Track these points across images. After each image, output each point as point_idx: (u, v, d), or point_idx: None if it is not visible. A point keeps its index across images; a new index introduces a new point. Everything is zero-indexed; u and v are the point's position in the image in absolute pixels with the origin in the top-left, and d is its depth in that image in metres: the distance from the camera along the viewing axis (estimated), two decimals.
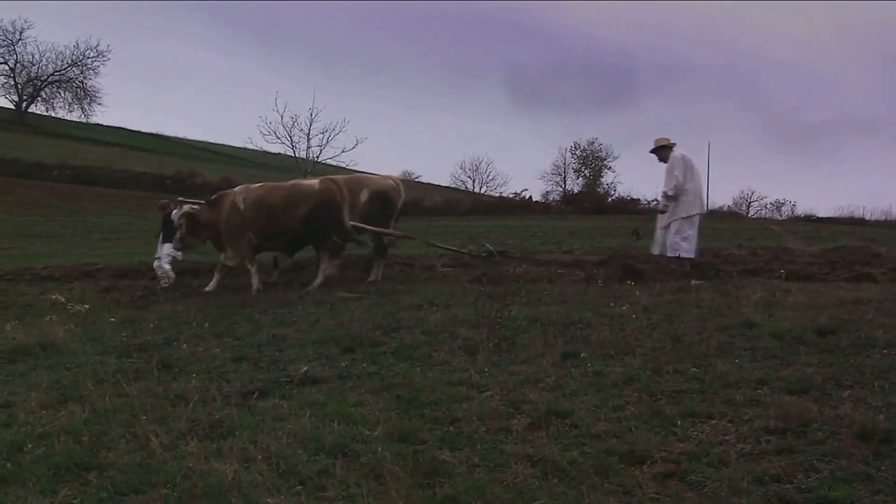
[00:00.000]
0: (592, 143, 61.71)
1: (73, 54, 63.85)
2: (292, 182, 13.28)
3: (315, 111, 48.62)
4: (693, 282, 10.33)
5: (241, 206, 12.51)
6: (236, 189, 13.19)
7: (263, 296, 11.35)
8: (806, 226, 33.43)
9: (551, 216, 39.03)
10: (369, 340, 7.72)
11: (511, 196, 50.03)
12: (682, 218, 11.57)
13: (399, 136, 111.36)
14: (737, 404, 5.27)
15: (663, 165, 11.81)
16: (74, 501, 4.39)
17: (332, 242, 12.34)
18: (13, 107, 64.68)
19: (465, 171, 68.71)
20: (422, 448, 4.84)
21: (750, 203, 58.68)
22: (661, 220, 11.88)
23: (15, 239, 24.30)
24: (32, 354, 8.07)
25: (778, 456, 4.41)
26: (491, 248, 13.65)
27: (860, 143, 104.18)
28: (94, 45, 64.02)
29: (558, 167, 62.54)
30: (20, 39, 62.41)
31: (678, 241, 11.54)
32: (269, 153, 49.12)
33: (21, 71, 63.21)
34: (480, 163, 68.72)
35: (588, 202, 46.48)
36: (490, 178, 67.75)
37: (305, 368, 6.75)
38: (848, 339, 6.66)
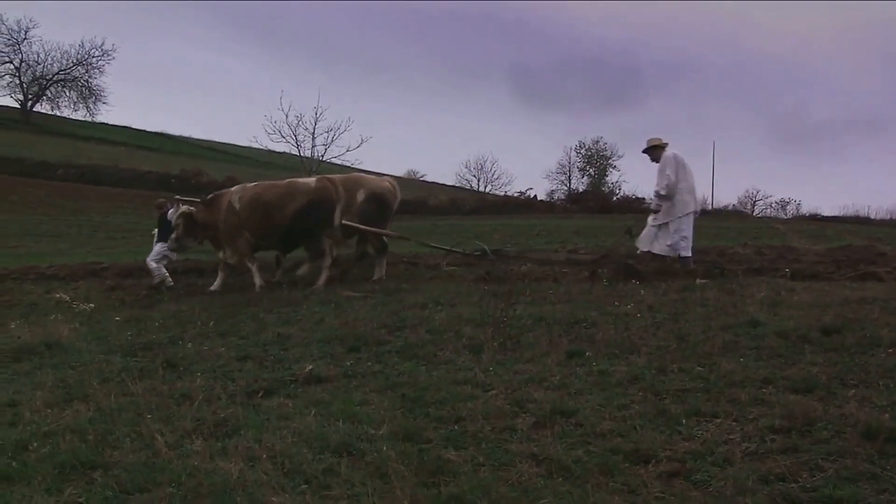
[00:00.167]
0: (597, 141, 61.74)
1: (78, 53, 64.02)
2: (288, 180, 13.32)
3: (320, 110, 48.70)
4: (698, 281, 10.32)
5: (237, 206, 12.55)
6: (233, 189, 13.24)
7: (268, 295, 11.36)
8: (811, 225, 33.36)
9: (556, 215, 39.01)
10: (374, 339, 7.73)
11: (516, 195, 50.03)
12: (680, 217, 11.62)
13: (404, 136, 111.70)
14: (742, 403, 5.27)
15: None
16: (80, 500, 4.40)
17: (322, 241, 12.39)
18: (18, 106, 64.74)
19: (469, 170, 68.85)
20: (427, 447, 4.84)
21: (755, 202, 58.41)
22: (654, 218, 11.91)
23: (20, 238, 24.36)
24: (38, 353, 8.09)
25: (783, 455, 4.41)
26: (485, 247, 13.76)
27: (865, 142, 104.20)
28: (99, 44, 64.20)
29: (563, 166, 62.57)
30: (25, 38, 62.57)
31: (678, 240, 11.58)
32: (274, 152, 49.00)
33: (26, 70, 63.34)
34: (485, 162, 68.89)
35: (593, 201, 46.40)
36: (495, 177, 67.92)
37: (310, 367, 6.76)
38: (853, 338, 6.64)
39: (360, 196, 12.94)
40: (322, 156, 46.67)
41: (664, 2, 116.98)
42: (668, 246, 11.65)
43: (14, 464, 4.85)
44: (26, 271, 15.52)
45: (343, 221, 12.49)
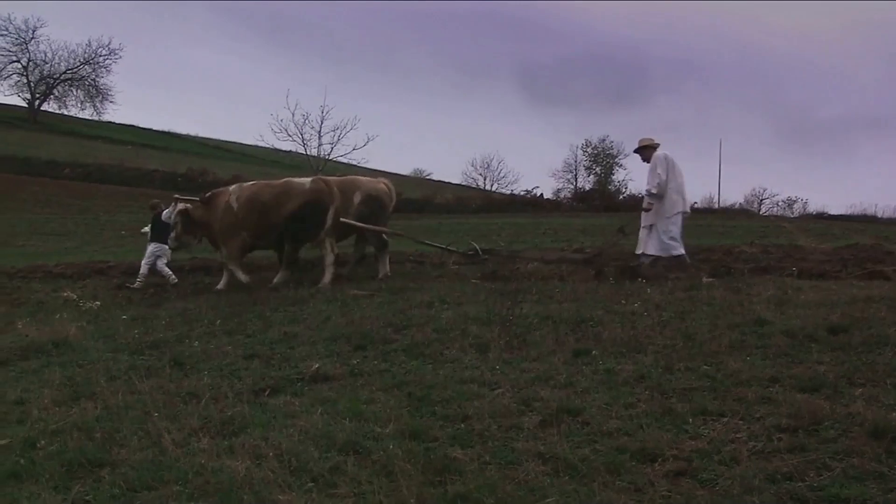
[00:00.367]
0: (604, 140, 61.42)
1: (85, 52, 64.20)
2: (284, 180, 13.38)
3: (326, 109, 48.62)
4: (704, 279, 10.32)
5: (235, 206, 12.59)
6: (230, 188, 13.29)
7: (274, 293, 11.37)
8: (818, 223, 33.26)
9: (563, 214, 39.00)
10: (380, 338, 7.73)
11: (522, 193, 50.04)
12: (666, 218, 11.69)
13: (410, 134, 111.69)
14: (748, 402, 5.25)
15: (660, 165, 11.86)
16: (87, 498, 4.42)
17: (323, 242, 12.46)
18: (26, 105, 64.99)
19: (476, 168, 68.66)
20: (433, 445, 4.85)
21: (762, 201, 58.28)
22: (645, 219, 11.94)
23: (28, 236, 24.45)
24: (45, 351, 8.11)
25: (790, 454, 4.40)
26: (477, 246, 13.91)
27: (872, 141, 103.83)
28: (107, 43, 64.35)
29: (569, 165, 62.26)
30: (33, 38, 62.77)
31: (666, 240, 11.63)
32: (281, 151, 49.06)
33: (34, 69, 63.54)
34: (492, 160, 68.65)
35: (599, 200, 46.44)
36: (501, 175, 67.70)
37: (317, 366, 6.77)
38: (860, 336, 6.62)
39: (357, 198, 13.12)
40: (328, 154, 46.68)
41: (670, 1, 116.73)
42: (659, 247, 11.69)
43: (22, 461, 4.87)
44: (34, 270, 15.59)
45: (341, 220, 12.55)
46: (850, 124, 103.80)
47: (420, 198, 42.66)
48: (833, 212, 47.28)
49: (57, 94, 65.50)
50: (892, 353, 6.15)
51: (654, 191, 11.72)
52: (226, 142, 69.28)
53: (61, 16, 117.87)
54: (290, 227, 12.44)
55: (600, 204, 43.56)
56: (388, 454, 4.61)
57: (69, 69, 64.39)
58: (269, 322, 9.05)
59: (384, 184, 13.98)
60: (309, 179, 12.91)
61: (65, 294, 12.59)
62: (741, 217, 38.69)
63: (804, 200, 55.79)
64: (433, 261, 14.24)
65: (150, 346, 8.15)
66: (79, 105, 65.77)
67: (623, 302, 8.69)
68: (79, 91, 65.30)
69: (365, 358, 7.12)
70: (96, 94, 65.06)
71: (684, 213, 11.92)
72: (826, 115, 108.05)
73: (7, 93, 67.19)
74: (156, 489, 4.41)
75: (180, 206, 13.13)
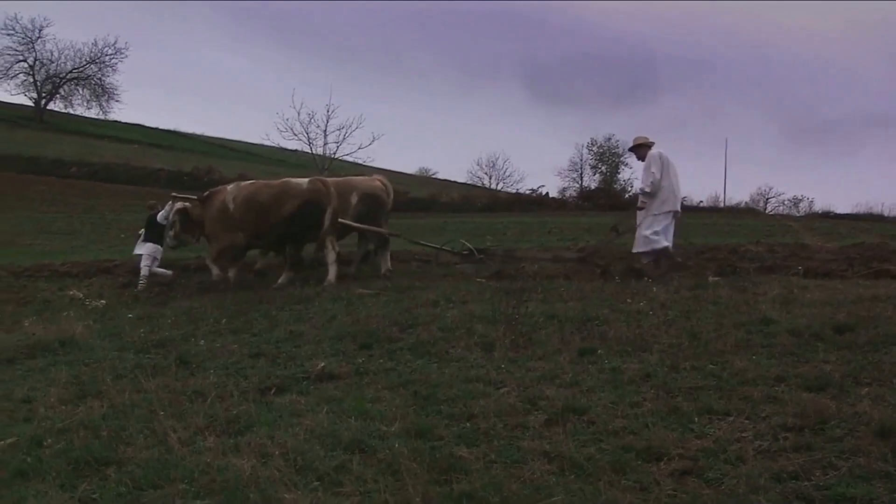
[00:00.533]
0: (609, 139, 61.40)
1: (91, 52, 64.26)
2: (282, 180, 13.41)
3: (332, 108, 48.56)
4: (710, 278, 10.30)
5: (231, 206, 12.61)
6: (228, 187, 13.31)
7: (280, 292, 11.38)
8: (824, 222, 33.11)
9: (568, 212, 38.96)
10: (386, 337, 7.74)
11: (528, 192, 50.02)
12: (654, 215, 11.65)
13: (416, 133, 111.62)
14: (754, 401, 5.24)
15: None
16: (94, 496, 4.44)
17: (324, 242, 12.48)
18: (32, 104, 65.09)
19: (481, 167, 68.63)
20: (439, 444, 4.85)
21: (767, 199, 58.09)
22: (639, 218, 11.92)
23: (34, 235, 24.51)
24: (51, 350, 8.15)
25: (796, 453, 4.39)
26: (471, 246, 14.00)
27: (878, 140, 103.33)
28: (112, 42, 64.40)
29: (575, 164, 62.28)
30: (39, 37, 62.87)
31: (648, 235, 11.59)
32: (287, 150, 49.00)
33: (40, 68, 63.61)
34: (497, 159, 68.61)
35: (605, 198, 46.34)
36: (506, 174, 67.67)
37: (322, 364, 6.77)
38: (866, 335, 6.59)
39: (354, 199, 13.24)
40: (334, 153, 46.64)
41: (673, 0, 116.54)
42: (642, 243, 11.66)
43: (29, 460, 4.90)
44: (40, 269, 15.67)
45: (340, 220, 12.60)
46: (856, 123, 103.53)
47: (426, 196, 42.66)
48: (839, 210, 47.11)
49: (63, 93, 65.67)
50: None
51: (647, 189, 11.68)
52: (231, 140, 69.32)
53: (67, 15, 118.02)
54: (288, 227, 12.45)
55: (606, 203, 43.42)
56: (394, 453, 4.61)
57: (75, 68, 64.52)
58: (275, 321, 9.07)
59: (380, 181, 14.08)
60: (307, 180, 12.95)
61: (71, 293, 12.64)
62: (747, 216, 38.59)
63: (810, 199, 55.63)
64: (439, 260, 14.23)
65: (156, 345, 8.17)
66: (85, 104, 65.98)
67: (629, 301, 8.67)
68: (85, 90, 65.45)
69: (370, 357, 7.13)
70: (102, 93, 65.18)
71: (675, 212, 11.86)
72: (832, 114, 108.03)
73: (13, 92, 67.19)
74: (162, 487, 4.42)
75: (178, 205, 13.17)
